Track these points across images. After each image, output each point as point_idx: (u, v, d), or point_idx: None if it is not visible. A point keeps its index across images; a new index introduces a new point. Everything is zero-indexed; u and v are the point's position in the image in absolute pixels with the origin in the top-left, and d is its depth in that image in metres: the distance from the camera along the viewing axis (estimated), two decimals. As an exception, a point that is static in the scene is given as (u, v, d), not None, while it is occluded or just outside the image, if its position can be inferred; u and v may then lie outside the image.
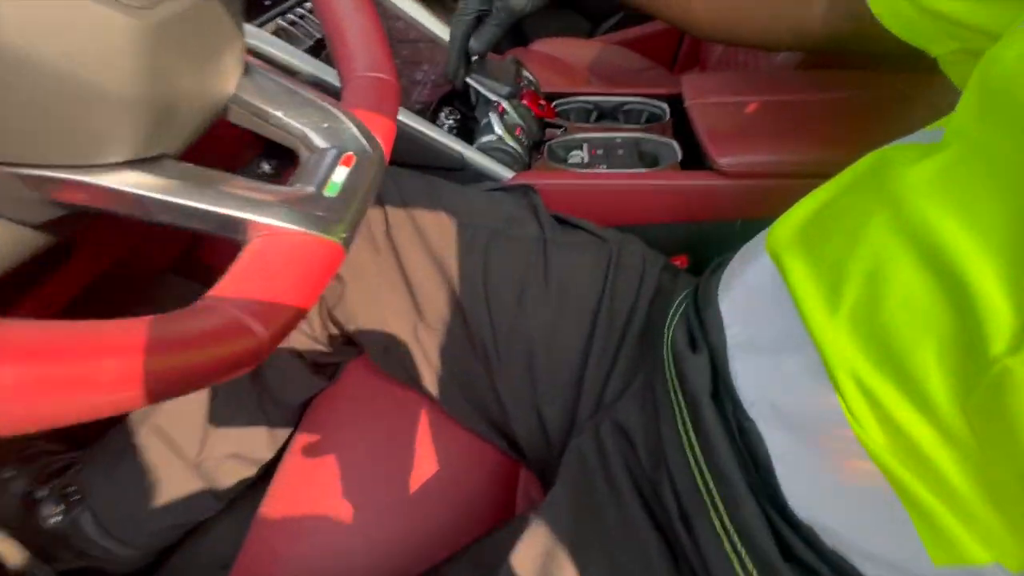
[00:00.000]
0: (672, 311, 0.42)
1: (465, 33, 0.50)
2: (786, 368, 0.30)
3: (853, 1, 0.40)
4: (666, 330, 0.40)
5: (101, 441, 0.53)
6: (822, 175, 0.57)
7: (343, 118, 0.30)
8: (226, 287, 0.21)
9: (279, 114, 0.28)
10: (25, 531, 0.48)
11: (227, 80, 0.26)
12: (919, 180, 0.27)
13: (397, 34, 0.74)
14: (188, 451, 0.51)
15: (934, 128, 0.33)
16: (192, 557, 0.56)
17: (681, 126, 0.66)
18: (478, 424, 0.48)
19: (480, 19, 0.50)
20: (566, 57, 1.13)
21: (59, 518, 0.50)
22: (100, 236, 0.48)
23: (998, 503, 0.22)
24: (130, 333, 0.17)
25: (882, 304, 0.26)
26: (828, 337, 0.27)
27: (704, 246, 0.62)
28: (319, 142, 0.29)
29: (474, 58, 0.53)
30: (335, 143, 0.29)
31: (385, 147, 0.33)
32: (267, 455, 0.55)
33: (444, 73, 0.62)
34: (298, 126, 0.29)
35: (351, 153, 0.29)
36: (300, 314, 0.22)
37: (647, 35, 1.25)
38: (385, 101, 0.34)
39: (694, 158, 0.61)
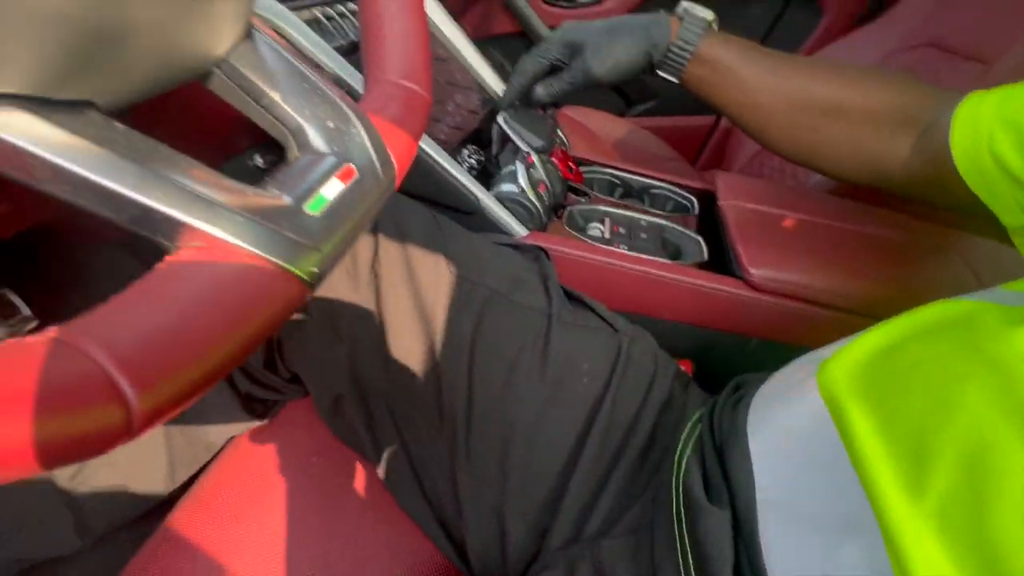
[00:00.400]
0: (684, 435, 0.35)
1: (536, 74, 0.51)
2: (842, 557, 0.23)
3: (939, 149, 0.36)
4: (676, 458, 0.33)
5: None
6: (855, 311, 0.53)
7: (356, 121, 0.23)
8: (106, 317, 0.13)
9: (275, 96, 0.22)
10: None
11: (217, 35, 0.20)
12: None
13: (434, 69, 0.71)
14: (60, 471, 0.41)
15: (1019, 290, 0.29)
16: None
17: (706, 224, 0.62)
18: (425, 519, 0.39)
19: (554, 69, 0.51)
20: (594, 128, 1.12)
21: None
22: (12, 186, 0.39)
23: None
24: None
25: (990, 506, 0.20)
26: (907, 529, 0.21)
27: (711, 357, 0.57)
28: (317, 143, 0.22)
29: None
30: (337, 149, 0.22)
31: (399, 171, 0.26)
32: (160, 492, 0.45)
33: (481, 106, 0.58)
34: (295, 116, 0.22)
35: (353, 166, 0.22)
36: (208, 380, 0.14)
37: (676, 127, 1.26)
38: (412, 116, 0.27)
39: (718, 261, 0.56)
